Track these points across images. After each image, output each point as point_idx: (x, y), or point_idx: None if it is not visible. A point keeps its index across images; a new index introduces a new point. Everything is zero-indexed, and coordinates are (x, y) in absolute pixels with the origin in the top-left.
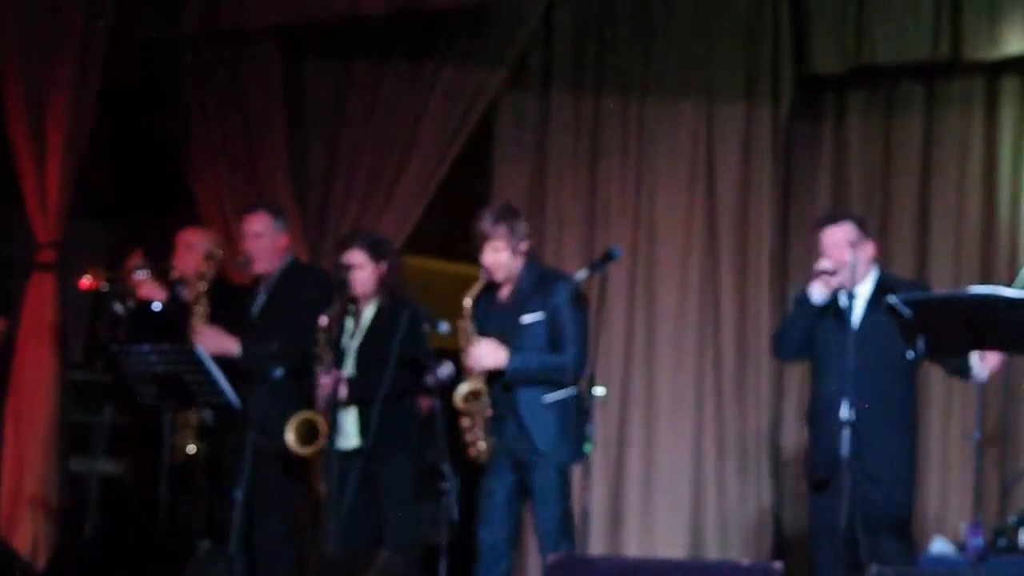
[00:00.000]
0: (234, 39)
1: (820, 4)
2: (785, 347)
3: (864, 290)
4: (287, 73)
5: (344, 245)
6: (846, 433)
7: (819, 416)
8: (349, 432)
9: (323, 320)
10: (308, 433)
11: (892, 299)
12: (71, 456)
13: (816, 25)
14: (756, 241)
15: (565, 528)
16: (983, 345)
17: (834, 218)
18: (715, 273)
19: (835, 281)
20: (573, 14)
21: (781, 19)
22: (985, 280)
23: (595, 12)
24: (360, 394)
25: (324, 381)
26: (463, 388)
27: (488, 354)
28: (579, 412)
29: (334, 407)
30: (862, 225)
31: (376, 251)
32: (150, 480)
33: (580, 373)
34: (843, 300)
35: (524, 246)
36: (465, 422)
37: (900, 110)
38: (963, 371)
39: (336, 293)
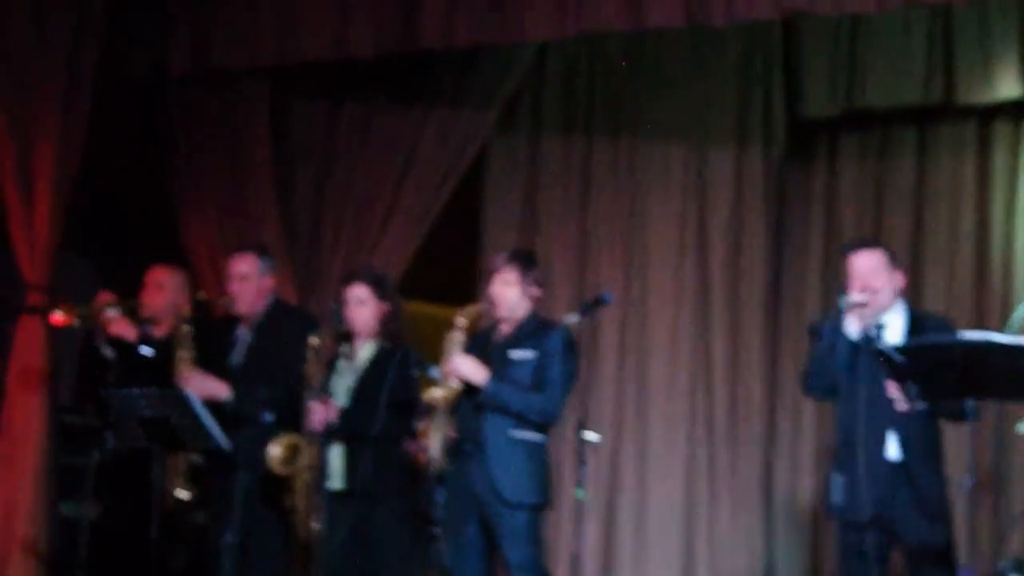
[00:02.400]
0: (223, 79)
1: (812, 48)
2: (818, 385)
3: (895, 322)
4: (276, 114)
5: (349, 279)
6: (891, 471)
7: (855, 455)
8: (336, 472)
9: (314, 340)
10: (291, 455)
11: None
12: (62, 500)
13: (808, 68)
14: (748, 284)
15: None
16: (975, 392)
17: (867, 243)
18: (707, 316)
19: (868, 313)
20: (564, 56)
21: (773, 62)
22: (978, 324)
23: (586, 54)
24: (350, 429)
25: (316, 409)
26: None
27: (469, 366)
28: (547, 459)
29: (325, 439)
30: (892, 254)
31: (381, 289)
32: (129, 523)
33: (553, 418)
34: (871, 332)
35: (535, 291)
36: None
37: (892, 154)
38: (957, 415)
39: (328, 325)
